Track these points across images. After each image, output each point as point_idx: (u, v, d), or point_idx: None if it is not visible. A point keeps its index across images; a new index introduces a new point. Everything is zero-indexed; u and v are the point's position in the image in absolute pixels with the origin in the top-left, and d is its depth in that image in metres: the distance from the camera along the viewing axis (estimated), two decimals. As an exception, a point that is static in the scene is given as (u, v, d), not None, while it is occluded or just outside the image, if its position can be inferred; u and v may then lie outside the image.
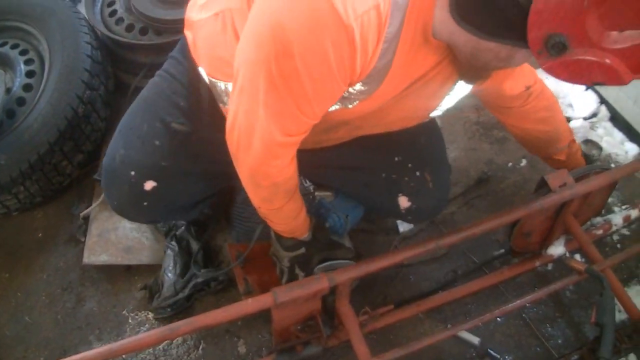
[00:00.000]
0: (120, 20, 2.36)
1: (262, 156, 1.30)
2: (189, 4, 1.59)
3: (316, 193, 1.79)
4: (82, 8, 2.38)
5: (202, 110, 1.60)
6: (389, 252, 1.64)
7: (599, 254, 1.79)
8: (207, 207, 1.98)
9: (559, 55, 1.03)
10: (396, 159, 1.68)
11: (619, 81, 1.07)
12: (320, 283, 1.51)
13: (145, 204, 1.63)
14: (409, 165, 1.68)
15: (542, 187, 1.72)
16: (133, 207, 1.67)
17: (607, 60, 1.03)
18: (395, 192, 1.68)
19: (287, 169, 1.38)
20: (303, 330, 1.70)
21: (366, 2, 1.05)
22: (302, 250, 1.67)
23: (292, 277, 1.73)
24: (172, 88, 1.63)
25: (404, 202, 1.68)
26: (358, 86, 1.23)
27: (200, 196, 1.79)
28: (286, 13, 1.08)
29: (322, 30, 1.06)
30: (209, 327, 1.50)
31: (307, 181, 1.80)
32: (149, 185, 1.60)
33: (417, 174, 1.68)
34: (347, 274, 1.55)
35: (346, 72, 1.14)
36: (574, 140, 1.89)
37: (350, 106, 1.32)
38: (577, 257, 2.01)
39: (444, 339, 1.74)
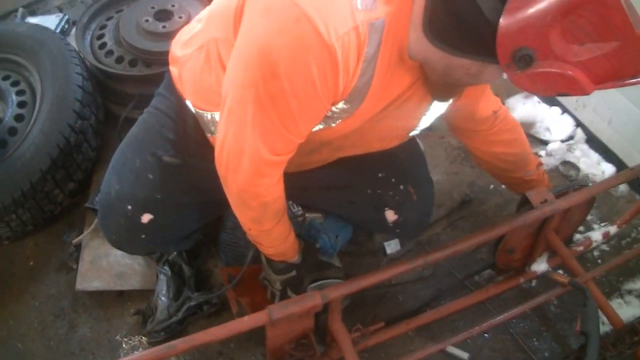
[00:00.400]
0: (109, 53, 2.40)
1: (251, 176, 1.35)
2: (173, 42, 1.66)
3: (306, 215, 1.84)
4: (72, 40, 2.43)
5: (190, 142, 1.65)
6: (379, 270, 1.69)
7: (580, 267, 1.86)
8: (199, 233, 2.03)
9: (526, 68, 1.12)
10: (380, 175, 1.74)
11: (582, 91, 1.15)
12: (313, 300, 1.55)
13: (143, 236, 1.68)
14: (393, 180, 1.74)
15: (524, 205, 1.80)
16: (131, 240, 1.72)
17: (570, 72, 1.11)
18: (382, 206, 1.74)
19: (275, 188, 1.43)
20: (296, 349, 1.73)
21: (346, 24, 1.13)
22: (293, 273, 1.72)
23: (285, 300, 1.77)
24: (161, 122, 1.68)
25: (390, 215, 1.74)
26: (341, 105, 1.30)
27: (196, 226, 1.84)
28: (272, 36, 1.15)
29: (306, 51, 1.13)
30: (206, 344, 1.52)
31: (296, 205, 1.85)
32: (146, 218, 1.64)
33: (401, 187, 1.74)
34: (339, 290, 1.59)
35: (329, 91, 1.20)
36: (540, 163, 1.97)
37: (333, 125, 1.39)
38: (560, 272, 2.07)
39: (433, 353, 1.79)
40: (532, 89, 1.19)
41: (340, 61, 1.15)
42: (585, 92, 1.15)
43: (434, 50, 1.20)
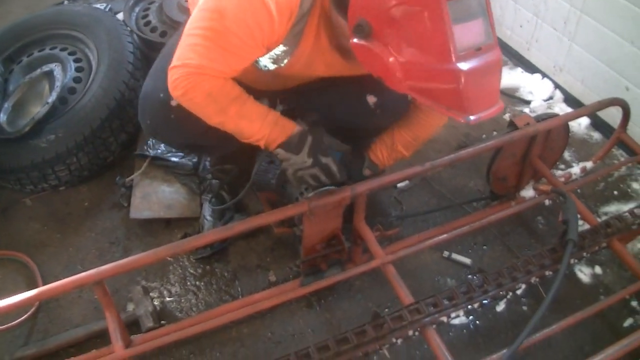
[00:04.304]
0: (154, 29, 2.81)
1: (190, 80, 1.61)
2: None
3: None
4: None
5: None
6: (398, 171, 2.03)
7: (561, 183, 2.22)
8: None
9: (363, 39, 1.43)
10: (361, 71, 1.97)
11: (393, 85, 1.42)
12: (344, 192, 1.88)
13: (172, 116, 1.90)
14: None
15: (510, 127, 2.16)
16: (163, 121, 1.94)
17: (390, 63, 1.37)
18: (363, 93, 2.01)
19: (214, 81, 1.64)
20: (327, 248, 2.05)
21: None
22: (310, 138, 1.79)
23: (317, 178, 1.84)
24: None
25: (371, 99, 2.00)
26: (281, 47, 1.64)
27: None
28: None
29: (249, 3, 1.47)
30: (261, 225, 1.84)
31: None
32: (174, 102, 1.85)
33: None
34: (365, 185, 1.92)
35: (264, 35, 1.53)
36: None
37: (282, 65, 1.73)
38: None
39: (439, 243, 2.12)
40: (360, 59, 1.48)
41: (275, 13, 1.47)
42: (397, 89, 1.41)
43: (331, 8, 1.55)
